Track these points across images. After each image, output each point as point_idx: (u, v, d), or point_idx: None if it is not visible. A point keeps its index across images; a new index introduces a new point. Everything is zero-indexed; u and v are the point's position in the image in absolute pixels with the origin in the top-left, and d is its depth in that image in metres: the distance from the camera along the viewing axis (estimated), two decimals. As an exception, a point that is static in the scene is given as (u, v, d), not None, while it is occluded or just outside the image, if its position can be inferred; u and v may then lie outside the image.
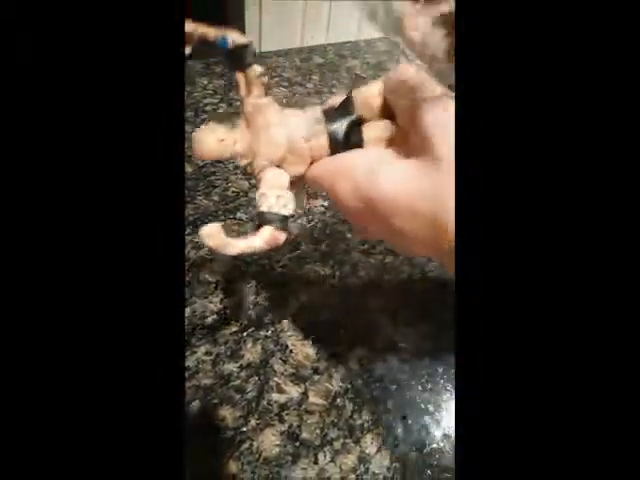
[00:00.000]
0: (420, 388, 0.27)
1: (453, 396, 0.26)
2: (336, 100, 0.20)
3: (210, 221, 0.17)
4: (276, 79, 0.58)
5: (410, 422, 0.25)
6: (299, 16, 0.85)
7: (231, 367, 0.25)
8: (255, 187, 0.19)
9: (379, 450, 0.24)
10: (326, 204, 0.40)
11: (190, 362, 0.25)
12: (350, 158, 0.18)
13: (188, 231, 0.33)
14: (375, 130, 0.19)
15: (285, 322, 0.28)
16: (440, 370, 0.28)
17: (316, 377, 0.26)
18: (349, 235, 0.37)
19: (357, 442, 0.24)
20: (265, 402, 0.24)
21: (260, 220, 0.18)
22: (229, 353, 0.26)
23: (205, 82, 0.54)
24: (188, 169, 0.40)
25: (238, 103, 0.20)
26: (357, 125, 0.19)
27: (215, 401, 0.24)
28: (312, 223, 0.37)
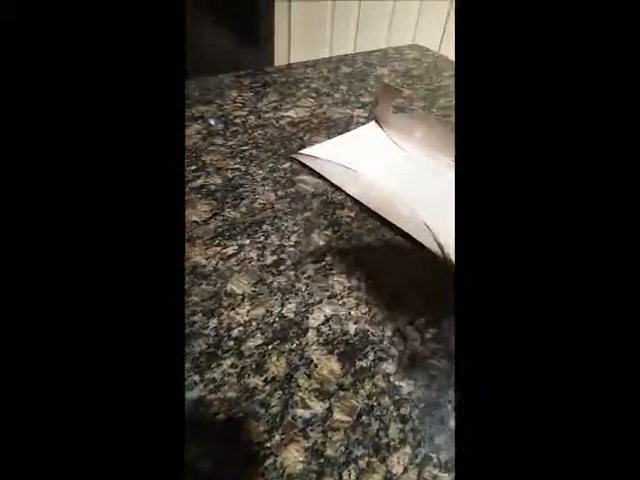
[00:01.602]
0: (449, 407, 0.26)
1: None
2: None
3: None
4: (304, 90, 0.59)
5: (438, 442, 0.24)
6: (328, 27, 0.85)
7: (256, 381, 0.26)
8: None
9: (406, 470, 0.23)
10: (353, 214, 0.39)
11: (216, 374, 0.26)
12: None
13: (217, 242, 0.34)
14: None
15: (310, 335, 0.28)
16: (470, 388, 0.27)
17: (341, 393, 0.26)
18: (376, 246, 0.36)
19: (383, 461, 0.23)
20: (289, 417, 0.24)
21: None
22: (254, 366, 0.26)
23: (234, 95, 0.56)
24: (217, 180, 0.41)
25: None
26: None
27: (240, 415, 0.24)
28: (338, 234, 0.37)
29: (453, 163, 0.45)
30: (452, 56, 0.75)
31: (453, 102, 0.59)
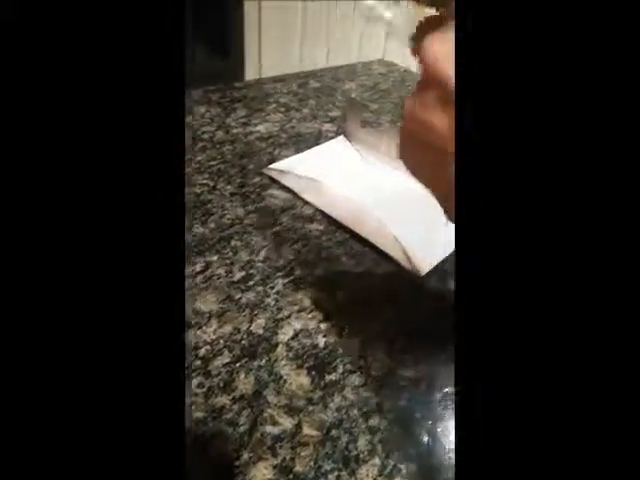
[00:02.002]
0: (417, 416, 0.26)
1: (452, 424, 0.26)
2: None
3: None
4: (273, 105, 0.59)
5: (407, 452, 0.24)
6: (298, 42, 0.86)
7: (224, 400, 0.25)
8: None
9: (375, 483, 0.23)
10: (322, 227, 0.40)
11: (183, 395, 0.25)
12: None
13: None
14: None
15: (279, 350, 0.28)
16: (438, 397, 0.27)
17: (310, 407, 0.26)
18: (345, 259, 0.37)
19: (352, 474, 0.23)
20: (258, 435, 0.24)
21: None
22: (222, 385, 0.26)
23: (203, 110, 0.56)
24: (185, 196, 0.41)
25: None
26: None
27: (208, 434, 0.24)
28: (307, 247, 0.37)
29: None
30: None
31: (419, 116, 0.61)
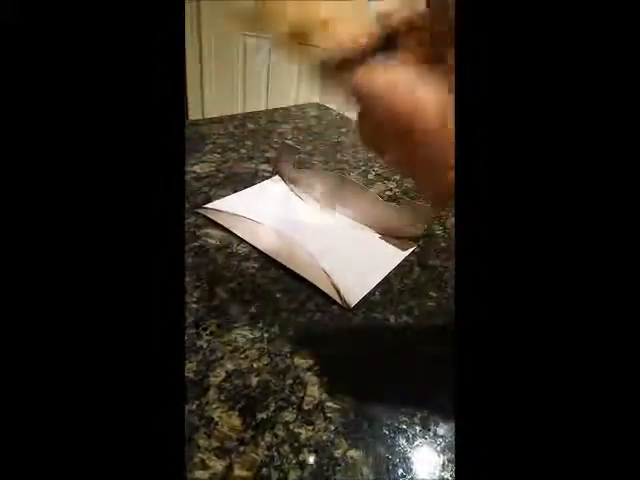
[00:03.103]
0: (346, 447, 0.27)
1: (383, 454, 0.27)
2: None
3: None
4: (210, 146, 0.61)
5: (336, 484, 0.25)
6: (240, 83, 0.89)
7: (151, 448, 0.25)
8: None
9: (307, 518, 0.24)
10: (257, 265, 0.41)
11: (108, 447, 0.24)
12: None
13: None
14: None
15: (211, 393, 0.29)
16: (366, 426, 0.29)
17: (242, 448, 0.26)
18: (279, 295, 0.38)
19: (284, 512, 0.24)
20: (188, 481, 0.24)
21: None
22: (149, 433, 0.26)
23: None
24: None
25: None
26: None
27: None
28: (242, 286, 0.38)
29: (348, 212, 0.50)
30: (349, 114, 0.83)
31: (348, 157, 0.66)
